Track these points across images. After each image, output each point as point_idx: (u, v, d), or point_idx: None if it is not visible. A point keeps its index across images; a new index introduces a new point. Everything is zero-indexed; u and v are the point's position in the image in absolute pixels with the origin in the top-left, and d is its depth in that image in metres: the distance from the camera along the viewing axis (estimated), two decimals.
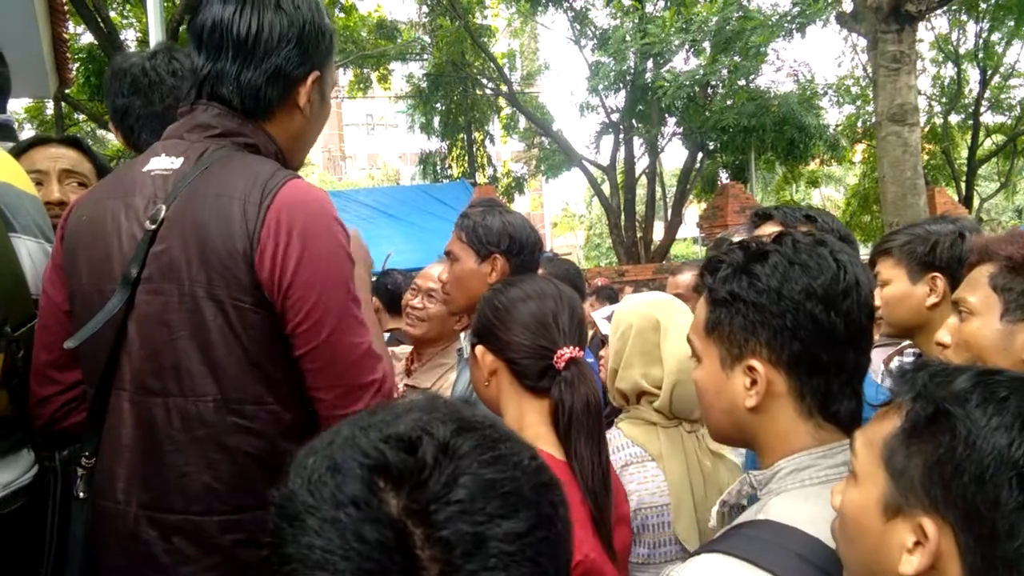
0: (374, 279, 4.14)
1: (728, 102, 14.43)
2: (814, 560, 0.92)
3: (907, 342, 2.09)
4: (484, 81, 18.52)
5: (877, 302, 1.99)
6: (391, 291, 3.57)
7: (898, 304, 1.90)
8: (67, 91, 10.71)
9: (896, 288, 1.90)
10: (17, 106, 14.66)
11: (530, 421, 1.40)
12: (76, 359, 1.36)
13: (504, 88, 17.55)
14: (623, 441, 1.74)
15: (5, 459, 1.41)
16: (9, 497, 1.39)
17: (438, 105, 18.98)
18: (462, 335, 2.65)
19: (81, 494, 1.31)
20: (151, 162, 1.35)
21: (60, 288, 1.37)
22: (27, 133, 16.70)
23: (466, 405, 0.71)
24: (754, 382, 1.04)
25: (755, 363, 1.03)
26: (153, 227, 1.26)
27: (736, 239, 2.68)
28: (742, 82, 14.47)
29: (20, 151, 1.93)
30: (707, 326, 1.09)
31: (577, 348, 1.40)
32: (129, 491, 1.26)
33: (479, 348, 1.47)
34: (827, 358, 1.02)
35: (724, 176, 17.82)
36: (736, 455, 1.80)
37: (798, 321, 1.01)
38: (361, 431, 0.65)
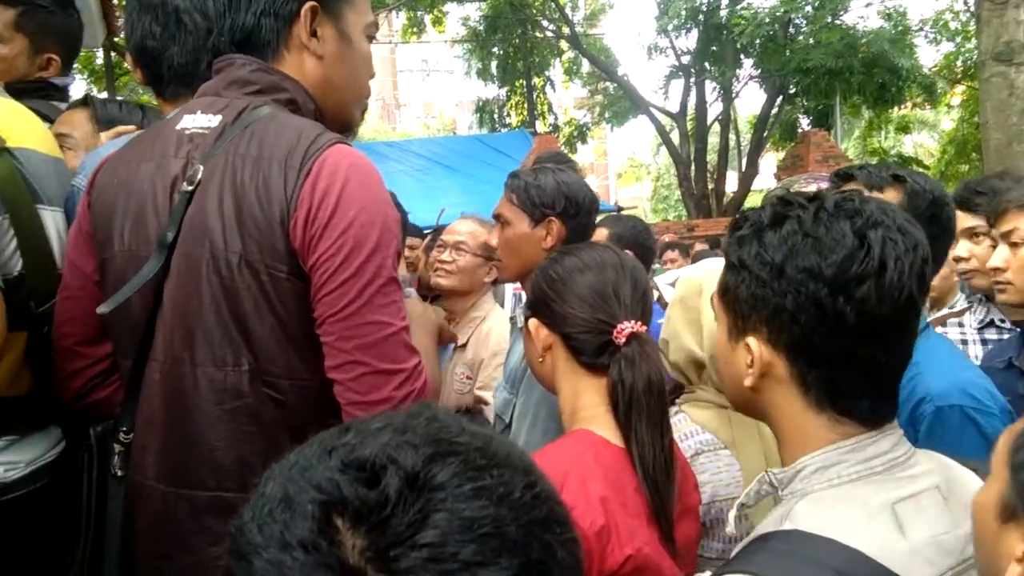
0: (428, 234, 4.12)
1: (812, 41, 13.84)
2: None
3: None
4: (544, 23, 18.18)
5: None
6: None
7: None
8: (116, 39, 10.92)
9: None
10: None
11: (586, 401, 1.36)
12: (106, 331, 1.37)
13: (566, 30, 17.20)
14: (692, 427, 1.66)
15: (30, 437, 1.44)
16: (32, 475, 1.42)
17: (495, 49, 18.73)
18: (509, 289, 2.75)
19: (118, 471, 1.32)
20: (184, 120, 1.33)
21: (89, 257, 1.37)
22: (78, 84, 17.25)
23: (458, 419, 0.63)
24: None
25: (752, 341, 0.97)
26: (191, 188, 1.25)
27: (800, 188, 2.52)
28: (828, 19, 13.84)
29: None
30: (720, 289, 1.04)
31: (639, 323, 1.36)
32: (159, 467, 1.26)
33: (533, 322, 1.44)
34: (830, 349, 0.93)
35: (805, 122, 17.21)
36: None
37: (799, 304, 0.92)
38: (321, 455, 0.58)
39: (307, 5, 1.33)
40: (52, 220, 1.48)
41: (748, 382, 0.99)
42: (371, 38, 1.46)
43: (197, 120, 1.32)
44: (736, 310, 1.00)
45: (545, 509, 0.60)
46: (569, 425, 1.38)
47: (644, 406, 1.29)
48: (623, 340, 1.33)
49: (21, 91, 1.92)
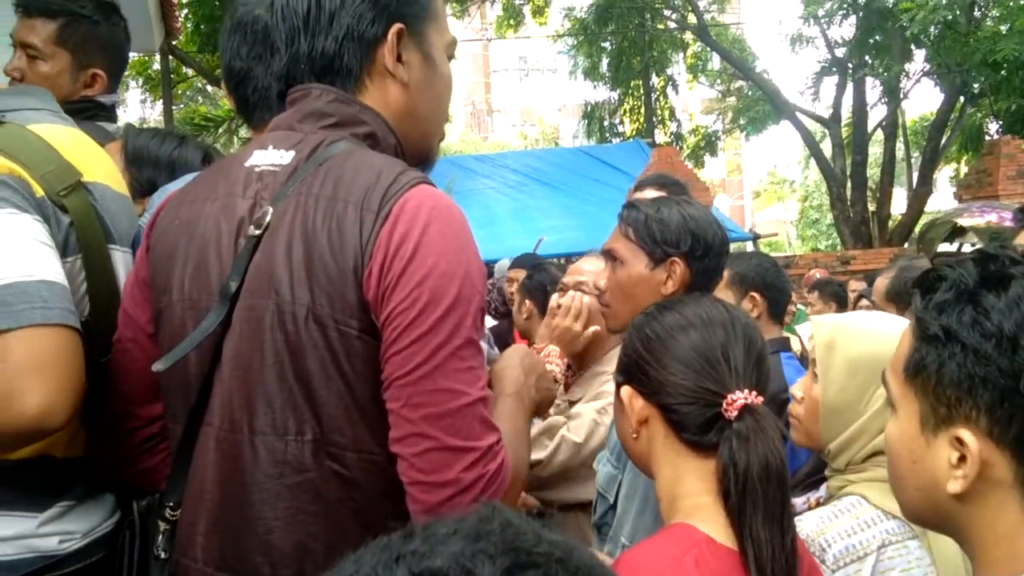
0: (526, 275, 4.14)
1: (1004, 27, 13.39)
2: None
3: None
4: (665, 11, 18.24)
5: None
6: (550, 291, 3.39)
7: None
8: (174, 42, 11.61)
9: None
10: None
11: (688, 488, 1.36)
12: (158, 390, 1.45)
13: (692, 18, 17.20)
14: (874, 512, 1.61)
15: (85, 504, 1.54)
16: (89, 547, 1.50)
17: (607, 44, 18.91)
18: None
19: (162, 554, 1.39)
20: (255, 156, 1.42)
21: (144, 306, 1.46)
22: (132, 92, 18.37)
23: (534, 525, 0.65)
24: (962, 459, 0.94)
25: (965, 434, 0.93)
26: (258, 232, 1.32)
27: (966, 222, 2.38)
28: None
29: None
30: (909, 367, 1.01)
31: (754, 392, 1.35)
32: (209, 549, 1.32)
33: (626, 390, 1.45)
34: None
35: (993, 128, 16.60)
36: None
37: None
38: (387, 564, 0.60)
39: (394, 27, 1.40)
40: (123, 261, 1.60)
41: (955, 487, 0.95)
42: (451, 58, 1.53)
43: (268, 156, 1.40)
44: (937, 395, 0.97)
45: None
46: (668, 516, 1.38)
47: (760, 495, 1.28)
48: (735, 413, 1.33)
49: (66, 114, 2.08)
